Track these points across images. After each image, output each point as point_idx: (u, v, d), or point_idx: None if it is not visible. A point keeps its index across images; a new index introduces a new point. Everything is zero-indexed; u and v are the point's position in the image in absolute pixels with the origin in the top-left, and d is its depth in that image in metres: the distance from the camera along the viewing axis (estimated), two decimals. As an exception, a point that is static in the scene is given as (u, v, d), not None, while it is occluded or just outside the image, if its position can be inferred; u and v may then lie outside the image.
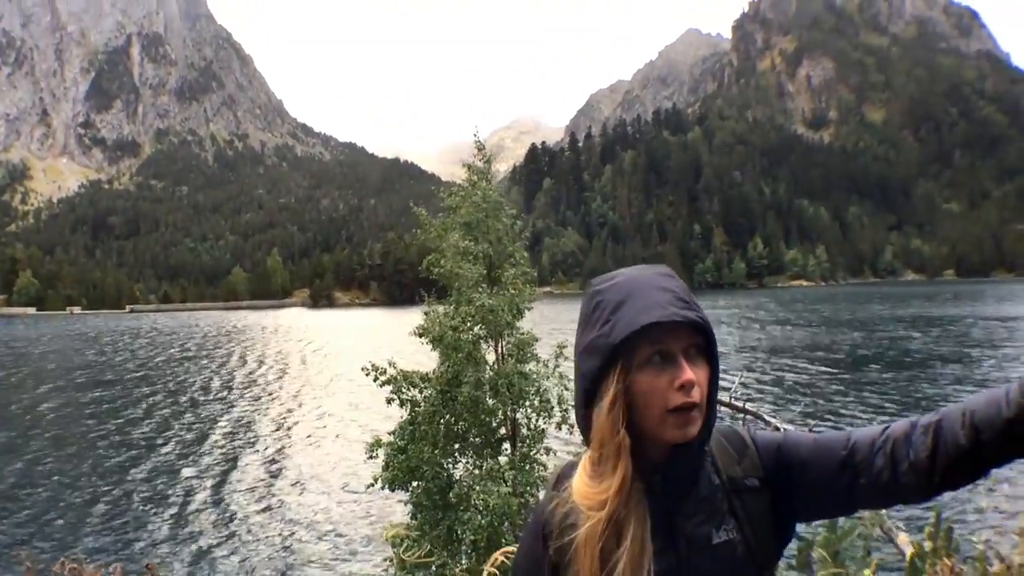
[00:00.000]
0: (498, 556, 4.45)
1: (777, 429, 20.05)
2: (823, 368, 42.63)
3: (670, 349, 1.52)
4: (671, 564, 1.57)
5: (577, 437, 11.22)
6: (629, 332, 1.49)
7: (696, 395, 1.51)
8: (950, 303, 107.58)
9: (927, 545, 4.94)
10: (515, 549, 4.82)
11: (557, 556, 1.65)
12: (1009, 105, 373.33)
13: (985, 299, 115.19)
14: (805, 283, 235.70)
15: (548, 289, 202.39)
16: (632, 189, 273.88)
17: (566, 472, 1.75)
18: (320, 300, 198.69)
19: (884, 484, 1.53)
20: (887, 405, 30.49)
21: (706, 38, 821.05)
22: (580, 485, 1.61)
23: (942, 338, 57.67)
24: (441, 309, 11.96)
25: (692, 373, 1.50)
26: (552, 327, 42.96)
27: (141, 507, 20.97)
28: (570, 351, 13.54)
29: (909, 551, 5.36)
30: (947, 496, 1.62)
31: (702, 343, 1.56)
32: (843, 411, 29.76)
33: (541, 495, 11.19)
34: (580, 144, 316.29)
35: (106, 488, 22.93)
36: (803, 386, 36.63)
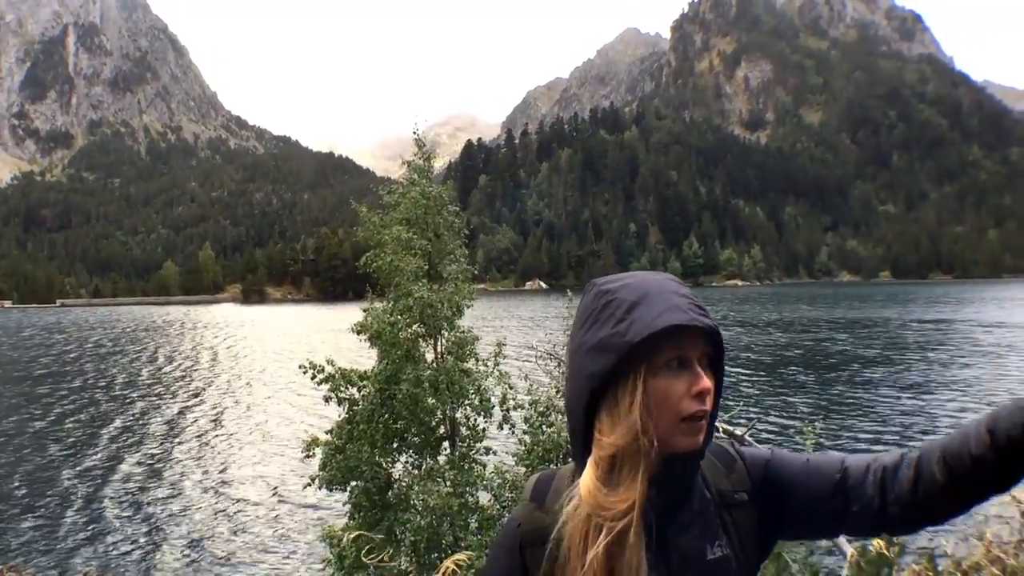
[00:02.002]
0: (449, 564, 4.42)
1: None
2: (744, 370, 42.70)
3: (688, 354, 1.47)
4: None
5: (514, 439, 11.17)
6: (651, 332, 1.43)
7: (709, 404, 1.48)
8: (881, 305, 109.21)
9: (872, 546, 4.96)
10: (465, 557, 4.81)
11: (538, 571, 1.58)
12: (950, 108, 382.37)
13: (918, 301, 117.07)
14: (740, 282, 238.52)
15: (483, 286, 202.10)
16: (568, 187, 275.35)
17: (544, 483, 1.69)
18: (252, 295, 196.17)
19: (874, 513, 1.52)
20: (804, 407, 30.55)
21: (645, 37, 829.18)
22: (594, 494, 1.50)
23: (869, 340, 58.46)
24: (379, 305, 11.79)
25: (709, 381, 1.47)
26: (488, 325, 42.92)
27: (71, 511, 20.45)
28: (509, 349, 13.49)
29: (850, 551, 5.32)
30: None
31: (711, 353, 1.52)
32: (767, 414, 29.97)
33: (481, 495, 11.21)
34: (516, 141, 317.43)
35: (33, 492, 22.35)
36: (727, 388, 36.71)
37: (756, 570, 1.66)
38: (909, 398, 32.49)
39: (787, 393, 34.74)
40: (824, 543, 6.84)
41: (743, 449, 1.72)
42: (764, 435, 23.88)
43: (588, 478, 1.53)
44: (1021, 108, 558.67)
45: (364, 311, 11.77)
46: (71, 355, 61.68)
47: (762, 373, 41.62)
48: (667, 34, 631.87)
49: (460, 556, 4.62)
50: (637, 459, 1.47)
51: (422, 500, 10.07)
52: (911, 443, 24.81)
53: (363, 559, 7.87)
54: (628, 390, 1.46)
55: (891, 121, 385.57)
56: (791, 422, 26.70)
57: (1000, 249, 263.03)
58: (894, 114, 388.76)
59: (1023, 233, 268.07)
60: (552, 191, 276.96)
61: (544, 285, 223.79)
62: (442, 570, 4.30)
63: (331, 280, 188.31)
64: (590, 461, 1.54)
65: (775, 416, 28.70)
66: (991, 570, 4.51)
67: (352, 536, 8.58)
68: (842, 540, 6.11)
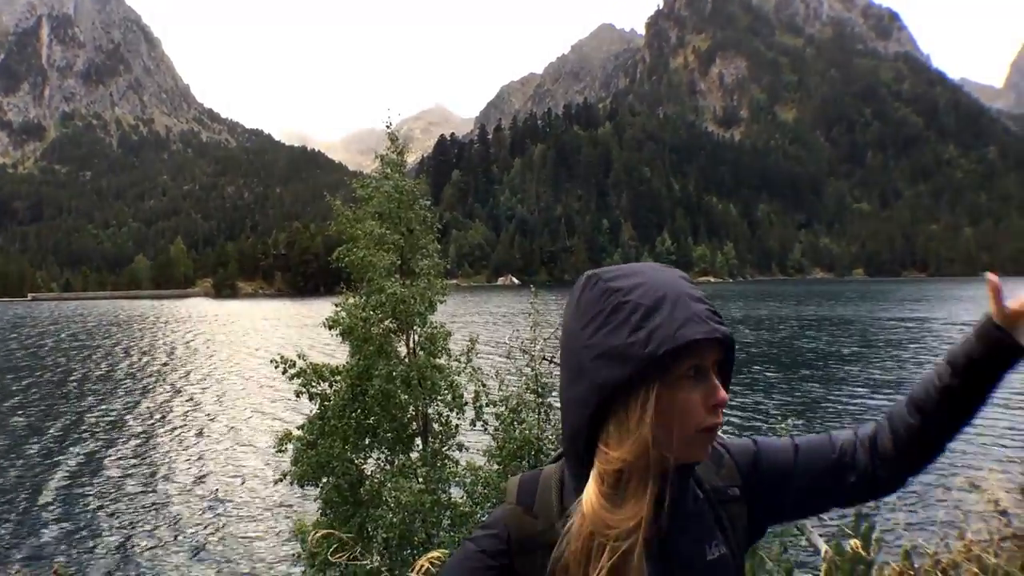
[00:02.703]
0: (423, 563, 4.39)
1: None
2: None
3: (706, 364, 1.41)
4: None
5: (486, 435, 11.12)
6: (674, 346, 1.35)
7: (721, 415, 1.43)
8: (853, 302, 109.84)
9: (849, 545, 4.94)
10: (440, 554, 4.79)
11: None
12: (926, 107, 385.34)
13: (891, 299, 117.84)
14: (713, 279, 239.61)
15: (455, 282, 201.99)
16: (541, 183, 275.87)
17: (529, 485, 1.60)
18: (224, 290, 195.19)
19: (868, 480, 1.57)
20: (771, 407, 30.50)
21: (619, 33, 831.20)
22: (599, 512, 1.42)
23: (840, 338, 58.76)
24: (352, 300, 11.71)
25: (725, 393, 1.43)
26: (460, 321, 42.82)
27: (40, 506, 20.24)
28: (482, 347, 13.44)
29: (824, 549, 5.29)
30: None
31: (722, 359, 1.45)
32: (731, 412, 30.04)
33: (453, 492, 11.17)
34: (490, 136, 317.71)
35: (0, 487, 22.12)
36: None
37: (743, 563, 1.64)
38: (880, 397, 32.66)
39: (754, 392, 34.81)
40: (802, 541, 6.83)
41: (729, 441, 1.69)
42: (730, 435, 23.93)
43: (592, 494, 1.44)
44: (998, 106, 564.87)
45: (336, 306, 11.69)
46: (42, 349, 61.09)
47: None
48: (642, 30, 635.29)
49: (435, 554, 4.60)
50: (646, 474, 1.42)
51: (394, 497, 10.00)
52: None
53: (331, 558, 7.81)
54: (640, 402, 1.39)
55: (866, 119, 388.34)
56: (757, 423, 26.83)
57: (976, 247, 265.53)
58: (869, 112, 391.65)
59: (999, 231, 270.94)
60: (525, 187, 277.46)
61: (516, 281, 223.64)
62: (417, 568, 4.31)
63: (303, 275, 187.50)
64: (593, 475, 1.45)
65: (741, 415, 28.74)
66: (970, 568, 4.50)
67: (320, 534, 8.52)
68: (816, 537, 6.10)
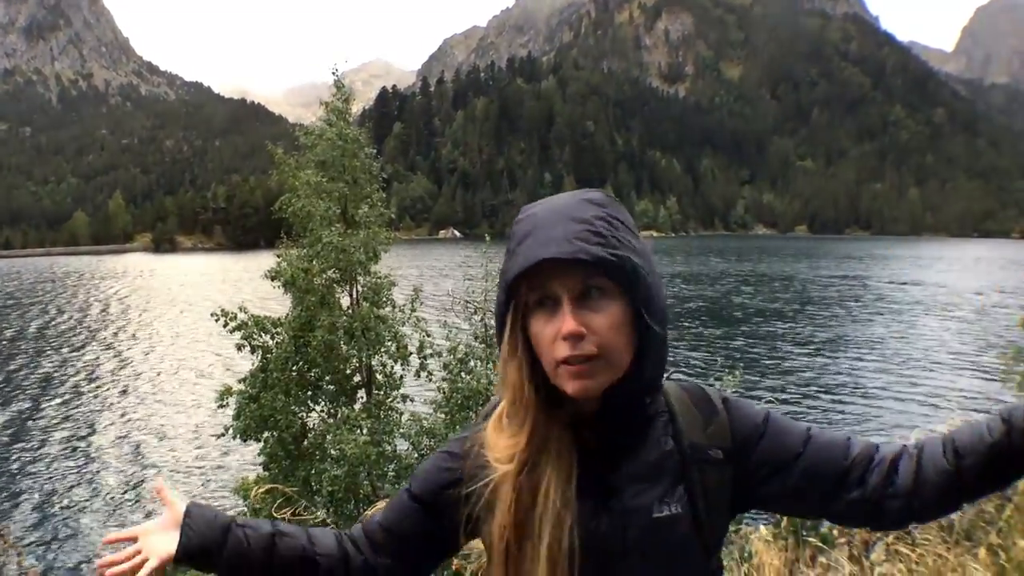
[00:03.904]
0: (370, 514, 4.41)
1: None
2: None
3: (555, 293, 1.32)
4: (606, 528, 1.41)
5: (432, 386, 11.02)
6: (519, 270, 1.31)
7: (589, 347, 1.30)
8: (794, 259, 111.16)
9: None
10: (386, 503, 4.82)
11: (470, 498, 1.47)
12: (874, 67, 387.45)
13: (832, 256, 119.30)
14: (656, 234, 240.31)
15: (396, 234, 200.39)
16: (483, 136, 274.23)
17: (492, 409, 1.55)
18: (163, 244, 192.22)
19: (873, 503, 1.43)
20: (706, 361, 30.66)
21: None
22: (490, 435, 1.45)
23: (777, 294, 59.35)
24: (294, 252, 11.50)
25: (576, 322, 1.29)
26: (403, 274, 42.51)
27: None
28: (426, 297, 13.34)
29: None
30: None
31: (619, 282, 1.32)
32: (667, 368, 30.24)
33: (399, 443, 11.05)
34: (432, 89, 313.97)
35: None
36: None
37: (722, 532, 1.52)
38: (814, 353, 33.21)
39: (689, 347, 35.08)
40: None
41: (734, 400, 1.55)
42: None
43: (491, 420, 1.48)
44: (946, 70, 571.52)
45: (278, 256, 11.48)
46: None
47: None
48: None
49: (381, 504, 4.61)
50: (521, 404, 1.40)
51: (339, 449, 9.88)
52: (816, 399, 25.34)
53: (274, 513, 7.65)
54: (508, 330, 1.39)
55: (812, 78, 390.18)
56: (696, 376, 27.04)
57: (921, 208, 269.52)
58: (816, 71, 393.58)
59: (945, 193, 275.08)
60: (467, 140, 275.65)
61: (458, 234, 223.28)
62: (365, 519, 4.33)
63: (243, 228, 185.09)
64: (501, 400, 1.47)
65: (683, 369, 28.92)
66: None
67: (263, 489, 8.37)
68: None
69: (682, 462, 1.45)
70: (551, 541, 1.35)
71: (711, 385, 1.59)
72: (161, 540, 1.45)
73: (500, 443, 1.41)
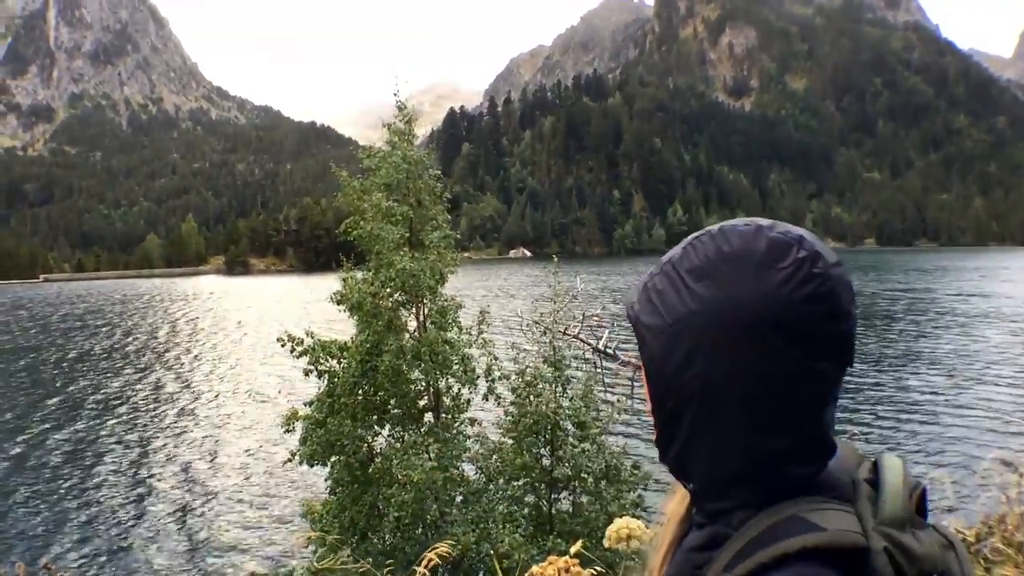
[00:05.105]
0: (430, 556, 4.35)
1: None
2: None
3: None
4: None
5: (499, 409, 10.84)
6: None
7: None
8: (863, 272, 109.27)
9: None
10: (446, 547, 4.71)
11: None
12: (936, 76, 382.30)
13: (899, 270, 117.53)
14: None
15: (466, 255, 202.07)
16: (551, 154, 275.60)
17: None
18: (236, 267, 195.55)
19: None
20: None
21: (628, 4, 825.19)
22: None
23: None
24: (360, 275, 11.43)
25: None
26: (472, 294, 42.51)
27: (52, 486, 20.11)
28: (494, 319, 13.17)
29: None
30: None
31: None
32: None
33: (466, 468, 10.91)
34: (499, 109, 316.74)
35: (11, 464, 22.02)
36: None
37: None
38: (880, 370, 32.44)
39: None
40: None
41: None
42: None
43: None
44: (1007, 77, 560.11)
45: (343, 280, 11.43)
46: (53, 329, 61.18)
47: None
48: (651, 0, 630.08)
49: (441, 546, 4.56)
50: None
51: (405, 474, 9.76)
52: (882, 418, 24.71)
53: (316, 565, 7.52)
54: None
55: (876, 88, 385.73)
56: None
57: (987, 217, 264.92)
58: (879, 81, 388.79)
59: (1009, 201, 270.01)
60: (535, 159, 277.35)
61: (528, 253, 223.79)
62: (425, 561, 4.25)
63: (314, 250, 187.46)
64: None
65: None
66: (993, 543, 4.35)
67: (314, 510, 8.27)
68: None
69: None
70: None
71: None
72: None
73: None
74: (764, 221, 1.11)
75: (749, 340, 1.03)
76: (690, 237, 1.18)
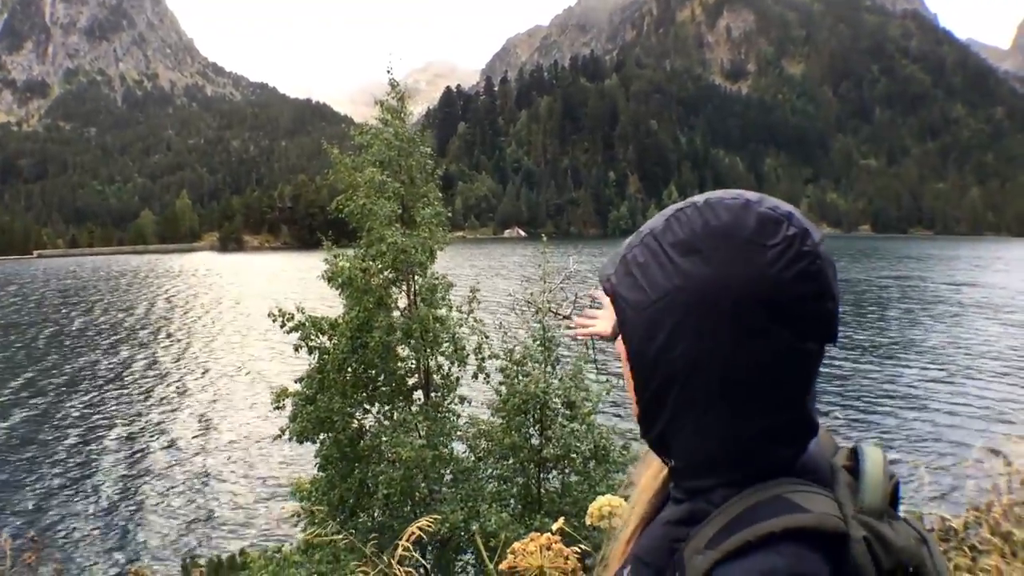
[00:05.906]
0: (413, 530, 4.36)
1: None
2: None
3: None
4: None
5: (489, 388, 10.83)
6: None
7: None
8: (855, 259, 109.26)
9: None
10: (427, 522, 4.76)
11: None
12: (934, 65, 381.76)
13: (893, 257, 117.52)
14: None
15: (461, 234, 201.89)
16: (547, 135, 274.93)
17: None
18: (229, 243, 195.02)
19: None
20: None
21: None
22: None
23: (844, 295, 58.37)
24: (351, 252, 11.40)
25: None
26: (461, 272, 42.32)
27: (47, 463, 20.11)
28: (487, 296, 13.17)
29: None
30: None
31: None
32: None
33: (455, 446, 10.90)
34: (496, 89, 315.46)
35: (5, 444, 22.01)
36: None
37: None
38: (869, 359, 32.51)
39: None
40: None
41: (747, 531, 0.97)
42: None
43: None
44: (1005, 67, 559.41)
45: (334, 256, 11.38)
46: (46, 304, 61.01)
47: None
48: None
49: (423, 521, 4.56)
50: None
51: (395, 452, 9.76)
52: (869, 408, 24.76)
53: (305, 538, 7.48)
54: None
55: (874, 75, 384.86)
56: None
57: (982, 207, 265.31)
58: (877, 69, 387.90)
59: (1005, 192, 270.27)
60: (531, 139, 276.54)
61: (523, 233, 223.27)
62: (406, 536, 4.27)
63: (309, 228, 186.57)
64: None
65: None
66: (980, 532, 4.42)
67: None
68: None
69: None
70: None
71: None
72: None
73: None
74: (751, 194, 1.08)
75: (737, 319, 1.00)
76: (672, 208, 1.12)
